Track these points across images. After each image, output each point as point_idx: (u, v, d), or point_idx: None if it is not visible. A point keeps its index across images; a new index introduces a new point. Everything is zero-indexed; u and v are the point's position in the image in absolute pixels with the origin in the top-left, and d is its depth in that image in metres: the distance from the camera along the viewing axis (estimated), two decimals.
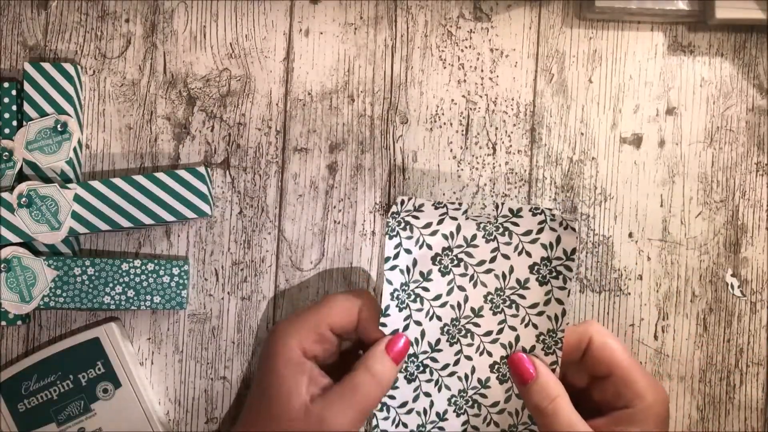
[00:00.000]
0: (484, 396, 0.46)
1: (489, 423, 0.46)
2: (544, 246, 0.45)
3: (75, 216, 0.47)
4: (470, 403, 0.46)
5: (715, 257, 0.52)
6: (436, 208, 0.45)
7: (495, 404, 0.46)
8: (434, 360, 0.46)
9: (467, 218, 0.45)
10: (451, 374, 0.46)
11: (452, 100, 0.52)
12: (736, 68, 0.52)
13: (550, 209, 0.45)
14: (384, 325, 0.45)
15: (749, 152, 0.52)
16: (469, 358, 0.46)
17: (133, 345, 0.50)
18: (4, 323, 0.48)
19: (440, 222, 0.46)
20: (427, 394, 0.46)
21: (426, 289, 0.46)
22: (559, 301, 0.45)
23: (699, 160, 0.52)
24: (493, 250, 0.46)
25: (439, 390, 0.46)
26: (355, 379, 0.43)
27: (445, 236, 0.46)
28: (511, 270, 0.46)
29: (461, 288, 0.46)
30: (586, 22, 0.52)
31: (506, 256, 0.46)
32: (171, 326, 0.51)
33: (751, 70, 0.52)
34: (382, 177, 0.51)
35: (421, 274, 0.46)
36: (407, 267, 0.45)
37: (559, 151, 0.52)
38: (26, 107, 0.48)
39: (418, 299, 0.46)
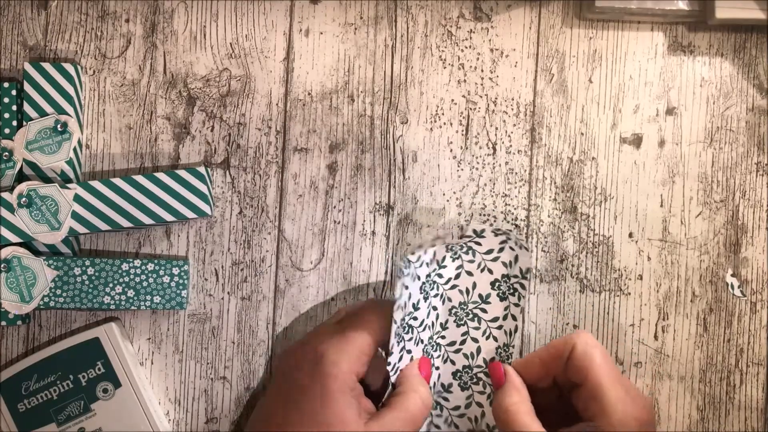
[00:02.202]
0: (446, 400, 0.49)
1: (450, 424, 0.49)
2: (504, 264, 0.48)
3: (75, 216, 0.47)
4: (434, 405, 0.49)
5: (716, 257, 0.52)
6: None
7: (456, 408, 0.49)
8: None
9: (442, 243, 0.47)
10: None
11: (452, 100, 0.52)
12: (736, 68, 0.52)
13: (510, 230, 0.47)
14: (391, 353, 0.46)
15: (749, 152, 0.52)
16: (436, 367, 0.49)
17: (133, 345, 0.50)
18: (4, 323, 0.48)
19: (425, 252, 0.47)
20: None
21: (415, 318, 0.47)
22: (514, 317, 0.49)
23: (699, 160, 0.52)
24: (457, 268, 0.49)
25: None
26: (406, 402, 0.43)
27: (427, 264, 0.48)
28: (474, 286, 0.49)
29: (434, 307, 0.48)
30: (586, 22, 0.52)
31: (470, 273, 0.49)
32: (171, 326, 0.51)
33: (751, 70, 0.52)
34: (382, 177, 0.51)
35: (413, 305, 0.47)
36: (404, 302, 0.47)
37: (559, 151, 0.52)
38: (26, 107, 0.48)
39: (410, 329, 0.46)
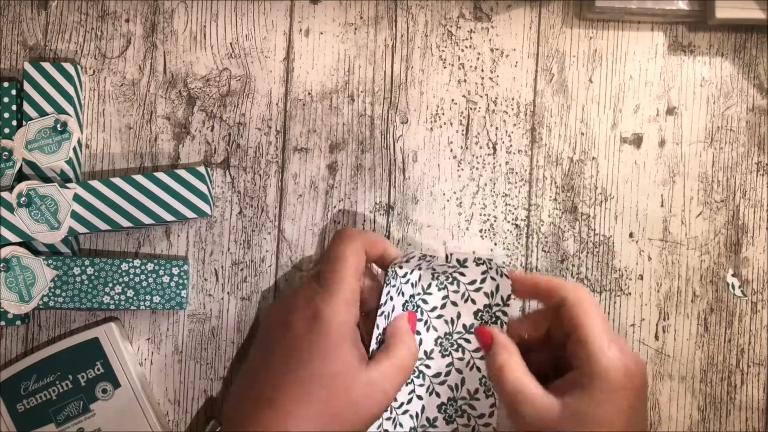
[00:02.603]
0: None
1: None
2: (486, 294, 0.48)
3: (74, 216, 0.47)
4: None
5: (716, 257, 0.52)
6: (419, 259, 0.47)
7: None
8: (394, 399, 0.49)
9: (428, 267, 0.48)
10: (405, 412, 0.49)
11: (452, 100, 0.52)
12: (737, 68, 0.52)
13: (490, 259, 0.48)
14: None
15: (750, 152, 0.52)
16: (420, 397, 0.49)
17: (133, 345, 0.50)
18: (3, 323, 0.48)
19: (412, 271, 0.48)
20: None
21: None
22: None
23: (699, 160, 0.52)
24: (443, 298, 0.49)
25: (395, 427, 0.48)
26: (401, 352, 0.45)
27: (412, 284, 0.48)
28: (459, 316, 0.49)
29: (417, 332, 0.49)
30: (586, 22, 0.52)
31: (454, 303, 0.49)
32: (170, 326, 0.50)
33: (752, 69, 0.52)
34: (382, 177, 0.51)
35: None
36: (389, 312, 0.47)
37: (560, 150, 0.52)
38: (26, 107, 0.48)
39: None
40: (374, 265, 0.49)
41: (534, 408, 0.42)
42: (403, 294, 0.47)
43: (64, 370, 0.48)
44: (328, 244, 0.46)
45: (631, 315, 0.51)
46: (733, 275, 0.52)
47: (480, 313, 0.49)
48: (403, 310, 0.47)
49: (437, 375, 0.49)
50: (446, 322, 0.49)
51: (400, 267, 0.47)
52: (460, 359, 0.49)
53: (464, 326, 0.49)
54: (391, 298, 0.46)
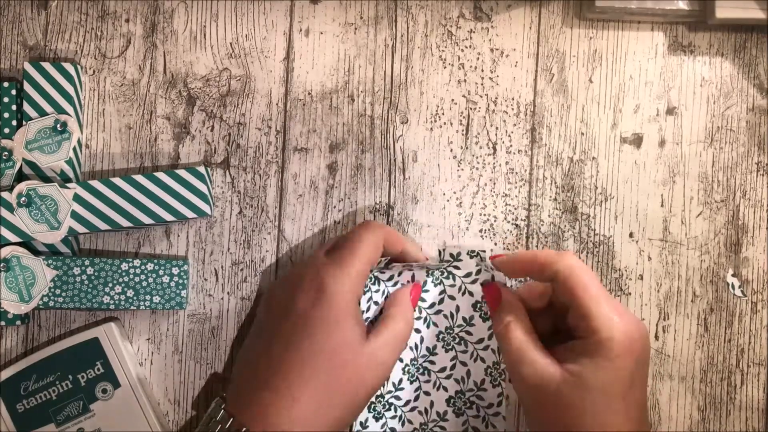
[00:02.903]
0: (443, 428, 0.49)
1: None
2: (483, 285, 0.49)
3: (74, 216, 0.47)
4: None
5: (716, 257, 0.52)
6: (403, 266, 0.48)
7: None
8: (398, 398, 0.49)
9: (420, 266, 0.48)
10: (413, 409, 0.49)
11: (452, 100, 0.52)
12: (737, 68, 0.52)
13: (483, 250, 0.49)
14: None
15: (750, 152, 0.52)
16: (427, 393, 0.49)
17: (133, 345, 0.50)
18: (3, 323, 0.48)
19: (400, 273, 0.48)
20: (393, 430, 0.49)
21: None
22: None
23: (699, 160, 0.52)
24: (440, 293, 0.49)
25: (402, 425, 0.49)
26: (398, 326, 0.46)
27: (403, 285, 0.48)
28: (458, 309, 0.49)
29: (417, 330, 0.49)
30: (586, 22, 0.52)
31: (452, 297, 0.49)
32: (170, 326, 0.50)
33: (752, 69, 0.52)
34: (382, 177, 0.51)
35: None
36: (370, 318, 0.48)
37: (560, 150, 0.52)
38: (26, 107, 0.48)
39: None
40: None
41: (535, 370, 0.43)
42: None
43: (64, 370, 0.48)
44: (352, 228, 0.47)
45: None
46: (733, 275, 0.52)
47: (479, 304, 0.49)
48: None
49: (443, 370, 0.49)
50: (446, 316, 0.49)
51: (382, 272, 0.47)
52: (464, 352, 0.49)
53: (464, 319, 0.49)
54: (376, 303, 0.47)
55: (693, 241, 0.52)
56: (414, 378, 0.49)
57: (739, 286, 0.52)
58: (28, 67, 0.49)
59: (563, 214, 0.52)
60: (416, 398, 0.49)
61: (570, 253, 0.45)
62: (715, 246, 0.52)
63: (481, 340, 0.49)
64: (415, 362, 0.49)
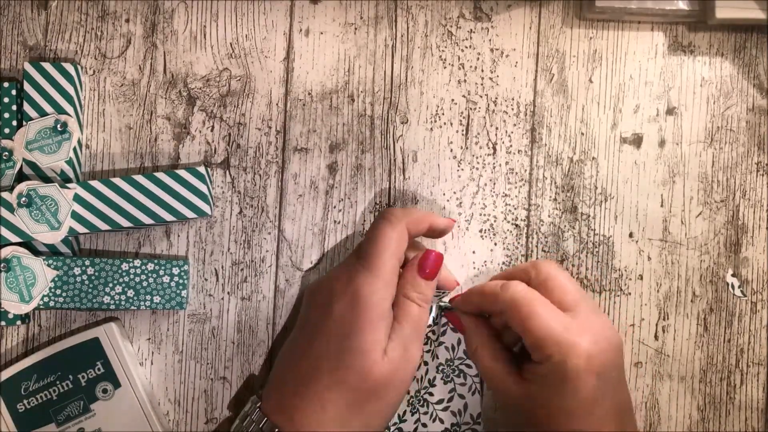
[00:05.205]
0: None
1: None
2: (443, 311, 0.50)
3: (75, 216, 0.47)
4: None
5: (716, 257, 0.52)
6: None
7: None
8: (400, 430, 0.49)
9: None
10: None
11: (452, 100, 0.52)
12: (737, 68, 0.52)
13: (442, 300, 0.49)
14: None
15: (749, 152, 0.52)
16: (425, 425, 0.49)
17: (133, 345, 0.50)
18: (3, 323, 0.48)
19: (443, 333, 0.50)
20: None
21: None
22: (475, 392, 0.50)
23: (699, 160, 0.52)
24: (443, 324, 0.50)
25: None
26: (411, 312, 0.45)
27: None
28: (459, 342, 0.49)
29: (425, 362, 0.50)
30: (586, 22, 0.52)
31: (454, 330, 0.50)
32: (171, 326, 0.50)
33: (752, 70, 0.52)
34: (382, 177, 0.51)
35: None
36: None
37: (560, 150, 0.52)
38: (26, 107, 0.48)
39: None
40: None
41: (504, 394, 0.44)
42: None
43: (64, 370, 0.48)
44: (372, 222, 0.47)
45: (631, 315, 0.52)
46: (732, 275, 0.52)
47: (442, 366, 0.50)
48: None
49: (440, 401, 0.49)
50: (447, 348, 0.49)
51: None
52: (462, 384, 0.49)
53: (465, 352, 0.49)
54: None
55: (693, 241, 0.52)
56: (415, 410, 0.49)
57: (739, 286, 0.52)
58: (29, 68, 0.49)
59: (563, 214, 0.52)
60: (415, 430, 0.49)
61: (513, 282, 0.44)
62: (715, 246, 0.52)
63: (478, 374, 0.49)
64: (419, 394, 0.49)
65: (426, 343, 0.49)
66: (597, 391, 0.41)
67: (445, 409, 0.49)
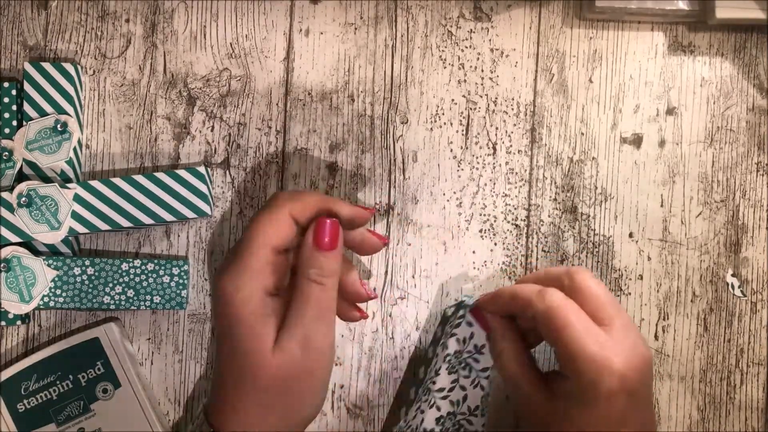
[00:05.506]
0: None
1: None
2: (470, 310, 0.49)
3: (75, 216, 0.47)
4: None
5: (716, 257, 0.52)
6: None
7: None
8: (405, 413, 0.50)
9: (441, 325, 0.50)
10: (408, 426, 0.49)
11: (452, 100, 0.52)
12: (737, 68, 0.52)
13: (462, 301, 0.48)
14: None
15: (749, 152, 0.52)
16: (422, 411, 0.48)
17: (133, 345, 0.50)
18: (3, 323, 0.48)
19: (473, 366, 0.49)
20: None
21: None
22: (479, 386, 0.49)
23: (699, 160, 0.52)
24: (459, 317, 0.48)
25: None
26: (311, 293, 0.42)
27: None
28: (471, 336, 0.48)
29: (436, 354, 0.49)
30: (586, 22, 0.52)
31: (470, 324, 0.48)
32: (171, 326, 0.50)
33: (752, 70, 0.52)
34: (382, 177, 0.51)
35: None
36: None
37: (560, 151, 0.52)
38: (26, 107, 0.48)
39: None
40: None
41: (528, 404, 0.43)
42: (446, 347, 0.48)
43: (64, 370, 0.48)
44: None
45: (631, 315, 0.52)
46: (732, 275, 0.52)
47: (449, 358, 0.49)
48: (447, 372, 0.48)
49: (440, 390, 0.49)
50: (458, 340, 0.49)
51: (476, 360, 0.48)
52: (466, 377, 0.49)
53: (475, 346, 0.48)
54: (462, 388, 0.48)
55: (693, 241, 0.52)
56: (418, 399, 0.49)
57: (739, 286, 0.52)
58: (29, 68, 0.49)
59: (563, 214, 0.52)
60: (414, 417, 0.49)
61: (550, 290, 0.42)
62: (715, 246, 0.52)
63: (485, 369, 0.48)
64: (424, 384, 0.49)
65: (440, 336, 0.49)
66: (626, 411, 0.40)
67: (444, 398, 0.49)
